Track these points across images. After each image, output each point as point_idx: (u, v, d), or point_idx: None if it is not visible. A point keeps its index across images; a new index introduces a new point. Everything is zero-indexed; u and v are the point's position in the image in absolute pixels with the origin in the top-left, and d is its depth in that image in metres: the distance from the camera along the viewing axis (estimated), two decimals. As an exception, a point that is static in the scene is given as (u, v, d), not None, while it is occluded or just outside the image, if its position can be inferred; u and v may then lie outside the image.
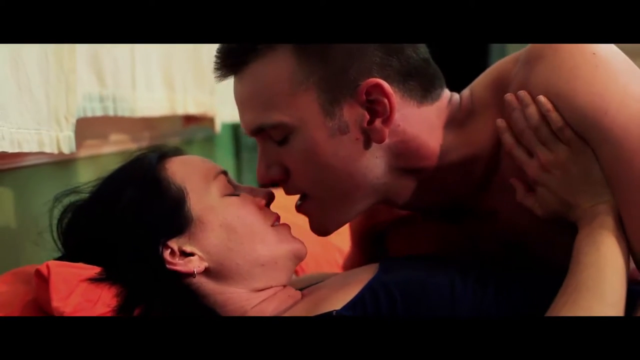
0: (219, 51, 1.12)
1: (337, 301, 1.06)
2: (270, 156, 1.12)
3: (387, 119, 1.07)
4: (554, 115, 1.02)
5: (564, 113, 1.02)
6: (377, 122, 1.07)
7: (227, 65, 1.11)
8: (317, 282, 1.23)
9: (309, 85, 1.06)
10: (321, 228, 1.17)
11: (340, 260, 1.73)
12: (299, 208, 1.16)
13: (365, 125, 1.07)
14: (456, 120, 1.14)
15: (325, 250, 1.73)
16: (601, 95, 0.99)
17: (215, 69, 1.12)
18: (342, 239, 1.71)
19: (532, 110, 1.04)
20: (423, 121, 1.11)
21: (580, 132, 1.02)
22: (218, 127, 2.16)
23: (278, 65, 1.07)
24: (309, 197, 1.14)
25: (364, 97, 1.06)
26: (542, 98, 1.02)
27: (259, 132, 1.11)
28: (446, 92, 1.16)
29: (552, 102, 1.02)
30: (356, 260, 1.43)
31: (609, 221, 1.01)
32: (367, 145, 1.09)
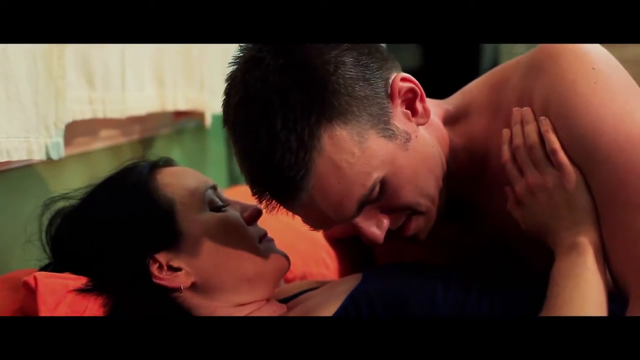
0: (258, 191, 1.05)
1: (325, 312, 1.08)
2: (372, 216, 1.08)
3: (420, 97, 1.09)
4: (551, 137, 1.03)
5: (562, 131, 1.02)
6: (417, 104, 1.09)
7: (283, 201, 1.06)
8: (302, 291, 1.25)
9: (363, 132, 1.03)
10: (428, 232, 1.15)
11: (328, 258, 1.74)
12: (411, 230, 1.12)
13: (412, 119, 1.09)
14: (449, 117, 1.16)
15: (312, 249, 1.73)
16: (599, 116, 1.00)
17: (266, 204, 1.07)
18: (329, 237, 1.73)
19: (531, 128, 1.05)
20: (431, 108, 1.12)
21: (575, 155, 1.02)
22: (208, 121, 2.16)
23: (337, 149, 1.01)
24: (416, 213, 1.11)
25: (397, 98, 1.07)
26: (543, 119, 1.03)
27: (365, 205, 1.06)
28: None
29: (551, 120, 1.03)
30: (339, 263, 1.43)
31: (588, 253, 1.01)
32: (425, 137, 1.10)
